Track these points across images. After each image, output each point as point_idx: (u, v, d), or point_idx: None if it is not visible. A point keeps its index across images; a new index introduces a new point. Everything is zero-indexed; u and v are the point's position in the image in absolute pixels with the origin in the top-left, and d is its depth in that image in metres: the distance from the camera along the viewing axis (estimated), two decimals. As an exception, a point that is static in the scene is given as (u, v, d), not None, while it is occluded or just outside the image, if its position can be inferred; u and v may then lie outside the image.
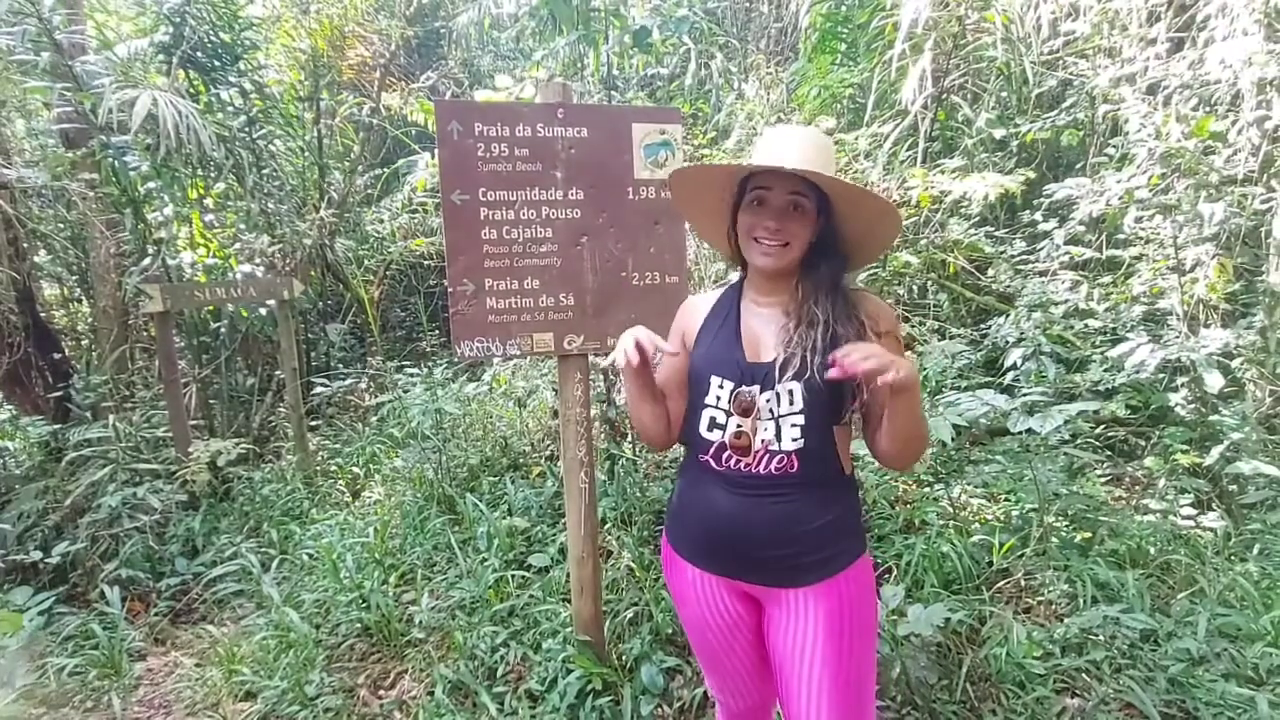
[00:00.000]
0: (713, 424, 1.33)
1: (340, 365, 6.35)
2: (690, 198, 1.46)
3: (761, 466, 1.29)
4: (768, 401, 1.28)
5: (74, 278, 5.25)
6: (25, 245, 4.41)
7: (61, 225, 4.84)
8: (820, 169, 1.23)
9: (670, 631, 2.41)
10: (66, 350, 4.63)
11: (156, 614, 3.19)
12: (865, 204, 1.28)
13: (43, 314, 4.68)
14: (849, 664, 1.30)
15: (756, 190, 1.29)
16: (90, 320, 5.11)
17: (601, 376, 3.60)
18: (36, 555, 3.35)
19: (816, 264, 1.32)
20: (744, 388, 1.29)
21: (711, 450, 1.33)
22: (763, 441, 1.28)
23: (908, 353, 1.26)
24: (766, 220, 1.27)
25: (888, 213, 1.30)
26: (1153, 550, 2.64)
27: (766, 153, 1.28)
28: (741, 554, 1.33)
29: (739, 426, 1.30)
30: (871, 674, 1.37)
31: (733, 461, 1.31)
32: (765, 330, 1.34)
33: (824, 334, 1.26)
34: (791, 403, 1.27)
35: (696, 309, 1.46)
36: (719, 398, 1.32)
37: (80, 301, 5.61)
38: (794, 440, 1.27)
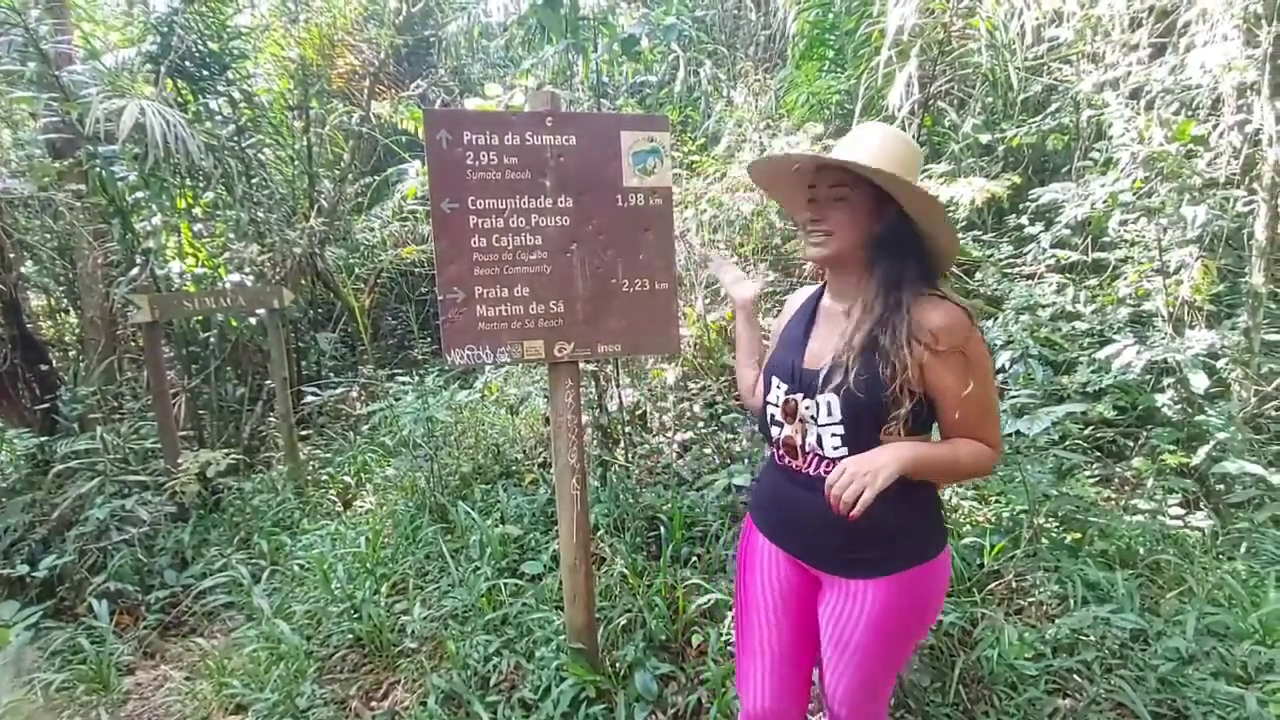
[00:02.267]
0: (773, 421, 1.41)
1: (331, 374, 6.32)
2: (772, 187, 1.56)
3: (810, 468, 1.35)
4: (808, 409, 1.31)
5: (61, 288, 5.21)
6: (12, 256, 4.37)
7: (49, 235, 4.80)
8: (886, 166, 1.20)
9: (664, 638, 2.41)
10: (54, 361, 4.59)
11: (145, 627, 3.15)
12: (904, 195, 1.24)
13: (29, 325, 4.63)
14: (878, 657, 1.35)
15: (811, 186, 1.35)
16: (78, 331, 5.07)
17: (593, 383, 3.60)
18: (23, 569, 3.31)
19: (890, 255, 1.28)
20: (792, 395, 1.35)
21: (774, 444, 1.43)
22: (809, 446, 1.33)
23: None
24: (811, 212, 1.33)
25: (926, 201, 1.24)
26: (1142, 550, 2.66)
27: (838, 148, 1.34)
28: (800, 538, 1.41)
29: (788, 431, 1.36)
30: (895, 670, 1.45)
31: (785, 459, 1.40)
32: (830, 334, 1.37)
33: (869, 351, 1.23)
34: (830, 414, 1.29)
35: (792, 303, 1.56)
36: (777, 398, 1.39)
37: (68, 312, 5.57)
38: (835, 449, 1.30)
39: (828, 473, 1.26)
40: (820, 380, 1.28)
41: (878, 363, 1.22)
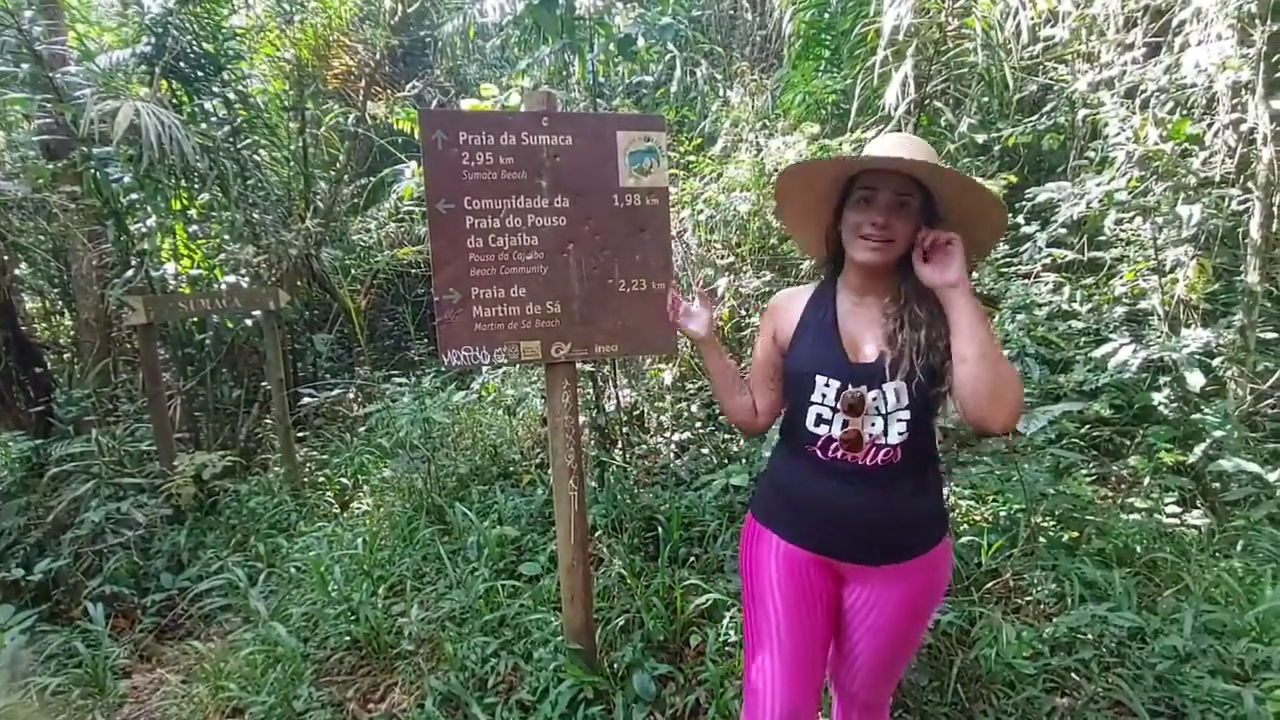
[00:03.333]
0: (819, 420, 1.40)
1: (328, 375, 6.31)
2: (794, 195, 1.52)
3: (868, 459, 1.37)
4: (874, 399, 1.35)
5: (56, 290, 5.18)
6: (6, 258, 4.35)
7: (43, 237, 4.77)
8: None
9: (662, 639, 2.41)
10: (48, 364, 4.57)
11: (141, 630, 3.14)
12: (970, 198, 1.33)
13: (24, 327, 4.61)
14: (901, 641, 1.47)
15: (864, 190, 1.35)
16: (72, 333, 5.04)
17: (590, 383, 3.60)
18: (18, 573, 3.29)
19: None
20: (851, 388, 1.36)
21: (818, 443, 1.41)
22: (870, 436, 1.36)
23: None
24: (875, 216, 1.33)
25: (993, 204, 1.34)
26: (1139, 549, 2.67)
27: (878, 153, 1.35)
28: (843, 535, 1.42)
29: (847, 424, 1.37)
30: (911, 653, 1.57)
31: (840, 453, 1.39)
32: (864, 329, 1.41)
33: (927, 335, 1.33)
34: (899, 400, 1.34)
35: (790, 306, 1.53)
36: (824, 395, 1.39)
37: (62, 314, 5.54)
38: (899, 434, 1.35)
39: (886, 461, 1.36)
40: (886, 369, 1.33)
41: (929, 350, 1.32)
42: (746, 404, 1.62)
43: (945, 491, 1.48)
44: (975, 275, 3.79)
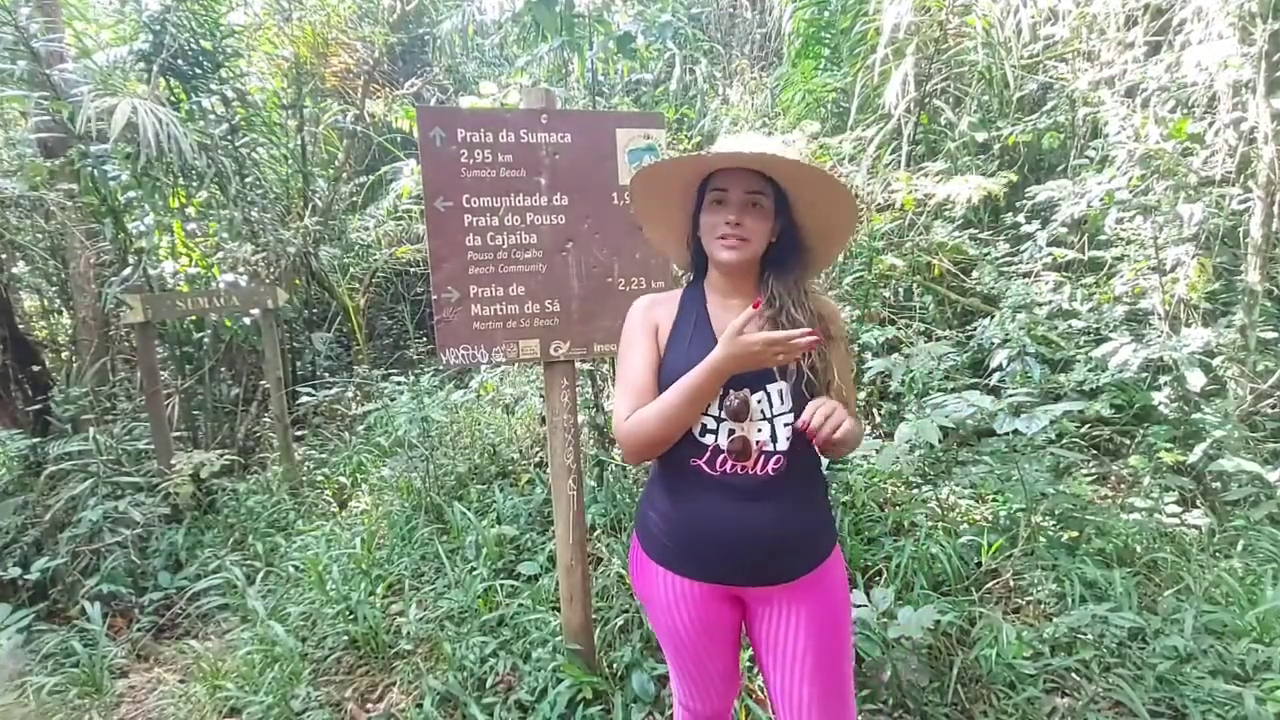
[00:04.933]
0: (704, 429, 1.32)
1: (326, 374, 6.30)
2: (650, 204, 1.46)
3: (759, 468, 1.31)
4: (759, 402, 1.30)
5: (53, 289, 5.17)
6: (3, 256, 4.34)
7: (40, 235, 4.77)
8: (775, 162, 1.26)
9: (661, 638, 2.40)
10: (46, 362, 4.56)
11: (139, 630, 3.13)
12: (817, 186, 1.28)
13: (22, 325, 4.60)
14: (830, 655, 1.36)
15: (716, 190, 1.32)
16: (70, 331, 5.03)
17: (589, 382, 3.59)
18: (15, 572, 3.28)
19: (781, 262, 1.36)
20: (732, 392, 1.28)
21: (705, 455, 1.32)
22: (758, 443, 1.30)
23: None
24: (727, 215, 1.30)
25: (837, 192, 1.28)
26: (1139, 548, 2.66)
27: (724, 150, 1.31)
28: (738, 559, 1.33)
29: (733, 431, 1.30)
30: (849, 660, 1.42)
31: (728, 466, 1.31)
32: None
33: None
34: (782, 402, 1.31)
35: (659, 309, 1.44)
36: (707, 403, 1.31)
37: (60, 313, 5.53)
38: (787, 439, 1.30)
39: (777, 471, 1.30)
40: (773, 370, 1.29)
41: (810, 351, 1.28)
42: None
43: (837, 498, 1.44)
44: (975, 273, 3.79)
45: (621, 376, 1.42)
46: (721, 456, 1.31)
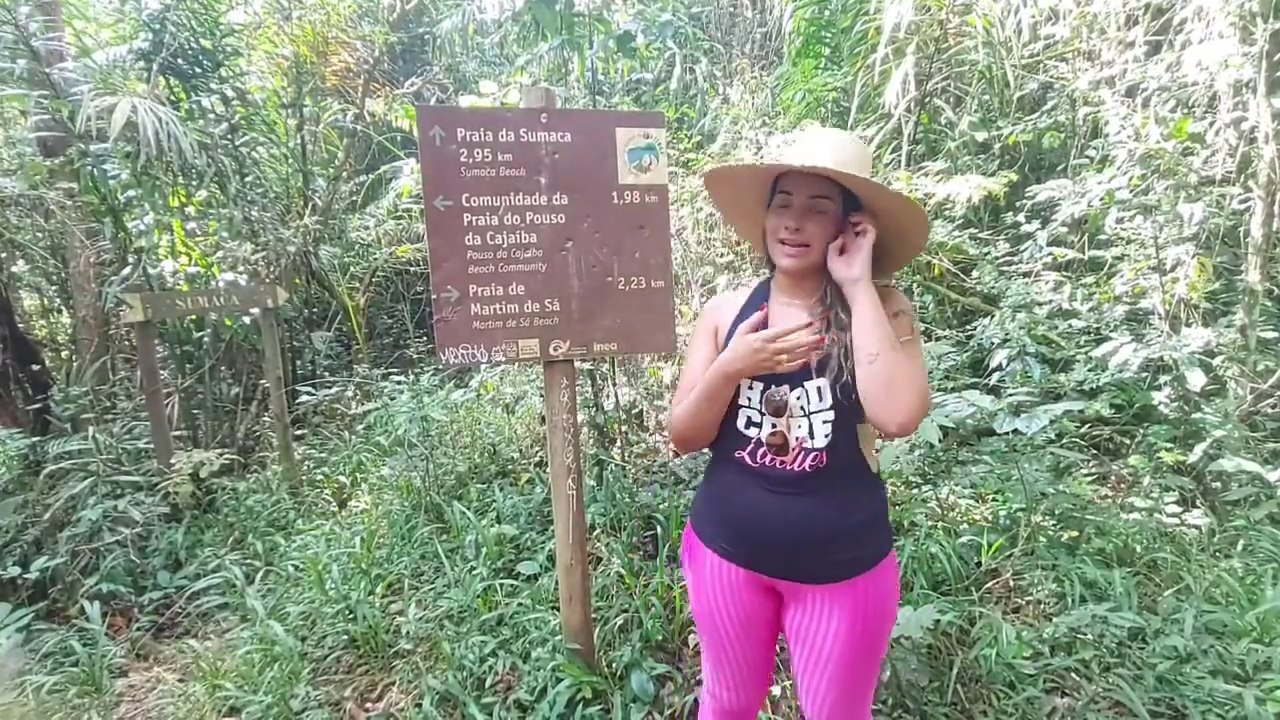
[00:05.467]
0: (749, 423, 1.37)
1: (326, 373, 6.30)
2: (728, 198, 1.49)
3: (797, 464, 1.32)
4: (798, 399, 1.32)
5: (53, 288, 5.17)
6: (3, 255, 4.34)
7: (40, 234, 4.76)
8: (851, 170, 1.24)
9: (661, 638, 2.40)
10: (46, 361, 4.55)
11: (138, 629, 3.13)
12: (889, 204, 1.28)
13: (21, 324, 4.60)
14: (859, 664, 1.36)
15: (781, 194, 1.32)
16: (70, 331, 5.03)
17: (589, 381, 3.59)
18: (15, 570, 3.28)
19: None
20: (774, 388, 1.32)
21: (748, 447, 1.37)
22: (797, 439, 1.32)
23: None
24: (788, 221, 1.30)
25: (913, 213, 1.30)
26: (1139, 548, 2.66)
27: (796, 154, 1.30)
28: (772, 549, 1.35)
29: (774, 426, 1.33)
30: (876, 671, 1.43)
31: (768, 459, 1.34)
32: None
33: (847, 332, 1.29)
34: (821, 399, 1.31)
35: (726, 307, 1.48)
36: (750, 398, 1.36)
37: (60, 312, 5.53)
38: (825, 437, 1.30)
39: (815, 467, 1.30)
40: (812, 367, 1.30)
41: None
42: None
43: (886, 505, 1.41)
44: (976, 273, 3.78)
45: (682, 374, 1.49)
46: (762, 449, 1.35)
